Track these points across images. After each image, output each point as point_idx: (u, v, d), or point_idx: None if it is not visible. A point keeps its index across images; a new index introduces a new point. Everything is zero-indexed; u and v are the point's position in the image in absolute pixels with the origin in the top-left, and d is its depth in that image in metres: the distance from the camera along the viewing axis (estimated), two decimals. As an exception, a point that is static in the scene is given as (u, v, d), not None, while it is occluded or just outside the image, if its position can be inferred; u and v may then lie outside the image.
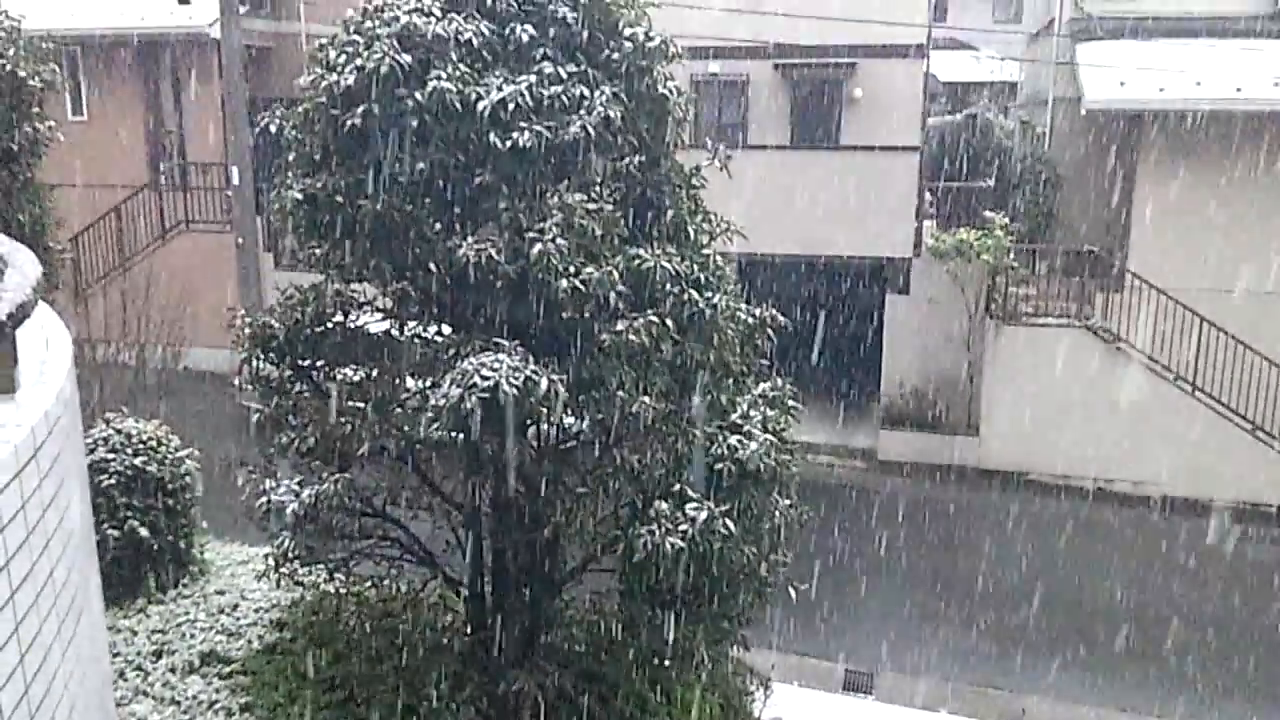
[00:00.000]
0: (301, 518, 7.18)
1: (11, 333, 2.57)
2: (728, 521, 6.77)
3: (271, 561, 7.77)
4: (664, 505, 6.79)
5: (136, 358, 12.63)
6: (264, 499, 7.37)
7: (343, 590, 8.25)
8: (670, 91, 7.31)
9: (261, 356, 7.50)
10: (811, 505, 8.42)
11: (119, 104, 19.85)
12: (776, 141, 16.92)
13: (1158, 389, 15.44)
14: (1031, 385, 15.88)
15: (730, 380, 7.76)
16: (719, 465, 7.18)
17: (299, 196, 7.07)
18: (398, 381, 7.43)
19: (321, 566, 7.90)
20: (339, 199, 6.96)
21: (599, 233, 6.78)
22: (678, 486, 7.02)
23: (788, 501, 7.84)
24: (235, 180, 16.88)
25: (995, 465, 16.07)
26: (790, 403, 7.99)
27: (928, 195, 18.38)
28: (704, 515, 6.70)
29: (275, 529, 7.56)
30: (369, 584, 8.13)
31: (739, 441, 7.21)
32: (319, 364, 7.61)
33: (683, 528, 6.66)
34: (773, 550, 7.63)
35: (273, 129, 7.45)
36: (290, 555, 7.66)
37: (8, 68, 10.38)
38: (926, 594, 12.48)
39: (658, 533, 6.60)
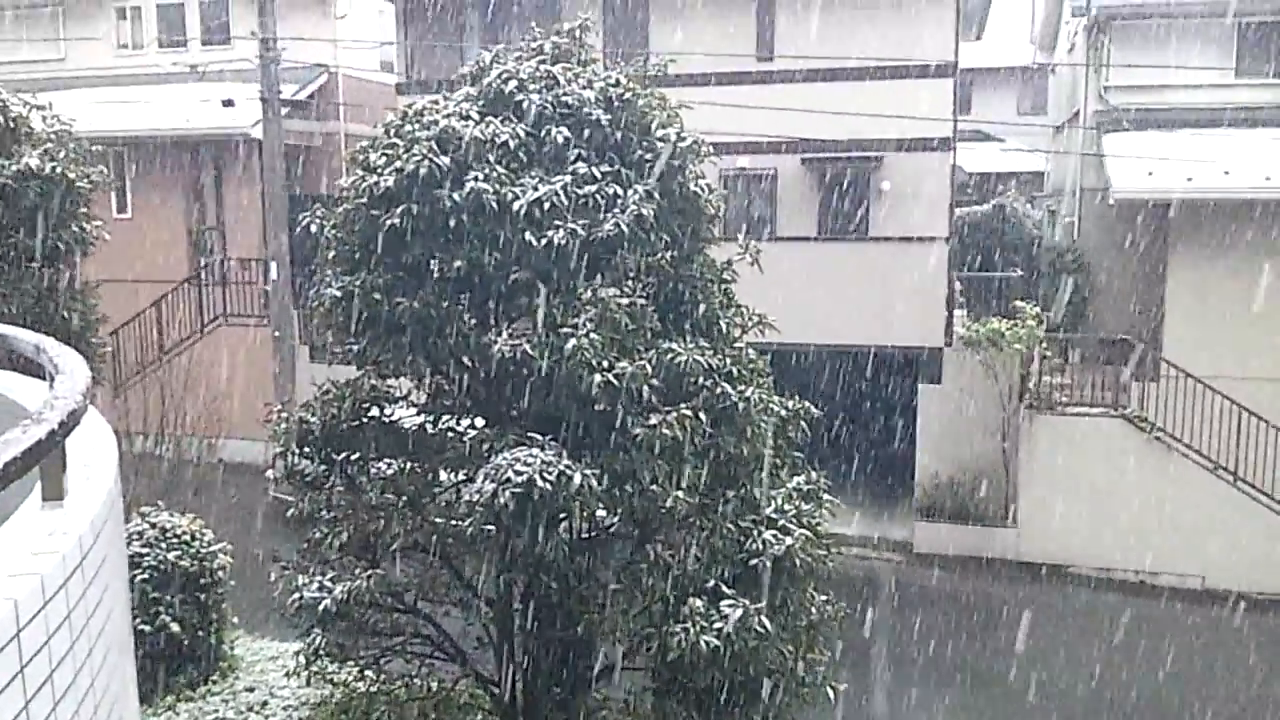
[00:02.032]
0: (333, 614, 7.15)
1: (62, 441, 2.62)
2: (763, 619, 6.66)
3: (302, 659, 7.71)
4: (698, 602, 6.69)
5: (173, 450, 12.75)
6: (296, 595, 7.34)
7: (373, 689, 8.15)
8: (702, 189, 7.45)
9: (297, 452, 7.56)
10: (847, 600, 8.26)
11: (162, 201, 20.42)
12: (805, 233, 17.07)
13: (1198, 479, 15.16)
14: (1069, 475, 15.64)
15: (764, 473, 7.71)
16: (754, 561, 7.09)
17: (338, 294, 7.20)
18: (431, 476, 7.46)
19: (352, 664, 7.82)
20: (376, 296, 7.07)
21: (631, 327, 6.85)
22: (712, 582, 6.93)
23: (824, 597, 7.72)
24: (273, 275, 17.22)
25: (1034, 557, 15.75)
26: (825, 496, 7.91)
27: (957, 285, 18.40)
28: (739, 613, 6.59)
29: (306, 625, 7.51)
30: (400, 682, 8.03)
31: (774, 536, 7.13)
32: (354, 458, 7.66)
33: (718, 625, 6.55)
34: (810, 648, 7.47)
35: (313, 228, 7.63)
36: (321, 652, 7.60)
37: (58, 170, 10.74)
38: (972, 696, 12.12)
39: (692, 630, 6.50)
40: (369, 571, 7.09)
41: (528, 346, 6.67)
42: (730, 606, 6.64)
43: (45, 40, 22.63)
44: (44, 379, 3.95)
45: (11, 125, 11.00)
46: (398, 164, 6.97)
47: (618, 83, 7.50)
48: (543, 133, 7.23)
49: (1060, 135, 22.82)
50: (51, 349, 3.56)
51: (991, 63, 28.68)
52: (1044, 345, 15.86)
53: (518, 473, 6.27)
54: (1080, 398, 16.11)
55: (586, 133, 7.29)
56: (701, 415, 6.83)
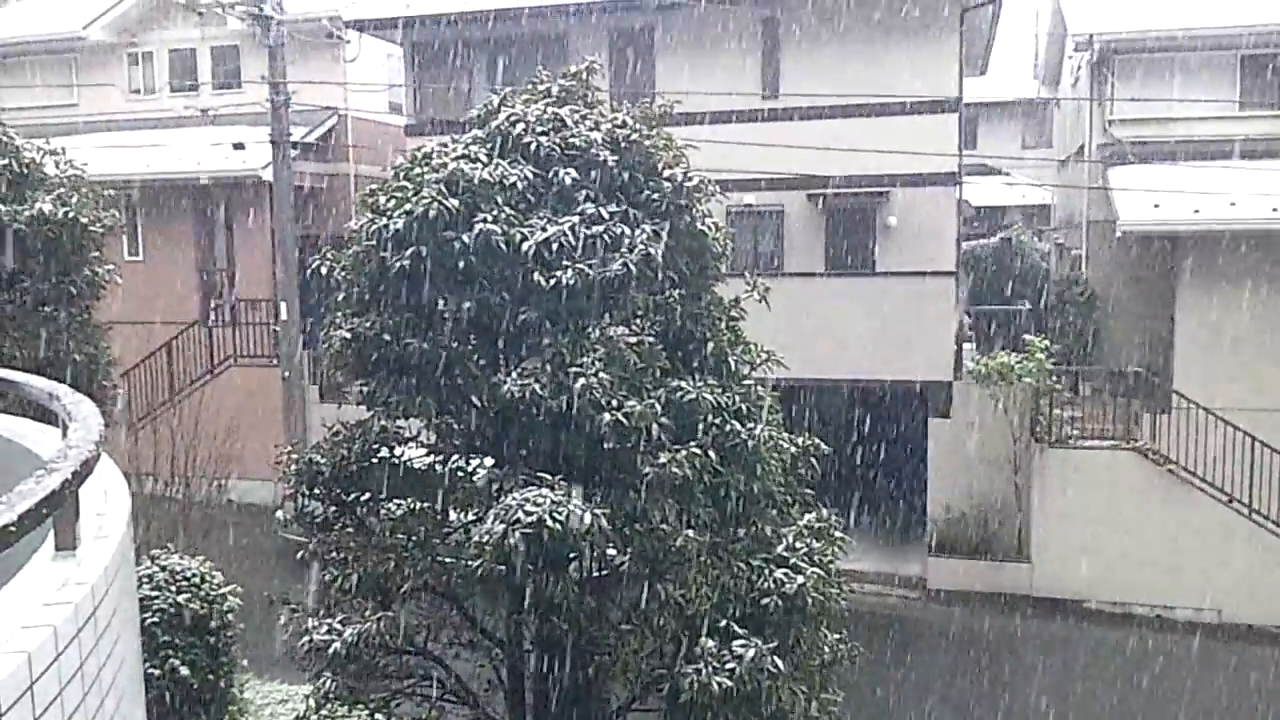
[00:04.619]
0: (343, 657, 7.11)
1: (75, 490, 2.63)
2: (776, 659, 6.61)
3: (312, 703, 7.66)
4: (710, 642, 6.65)
5: (183, 491, 12.74)
6: (306, 638, 7.31)
7: (383, 732, 8.08)
8: (709, 228, 7.49)
9: (307, 493, 7.56)
10: (861, 639, 8.20)
11: (173, 243, 20.58)
12: (812, 268, 17.12)
13: (1212, 512, 15.03)
14: (1082, 509, 15.53)
15: (775, 511, 7.69)
16: (765, 600, 7.05)
17: (347, 335, 7.24)
18: (441, 516, 7.46)
19: (363, 707, 7.77)
20: (386, 338, 7.11)
21: (640, 365, 6.86)
22: (724, 622, 6.89)
23: (836, 636, 7.66)
24: (283, 315, 17.31)
25: (1049, 592, 15.60)
26: (837, 534, 7.87)
27: (965, 319, 18.40)
28: (751, 653, 6.55)
29: (316, 668, 7.48)
30: (410, 726, 7.97)
31: (785, 575, 7.09)
32: (363, 499, 7.66)
33: (730, 666, 6.51)
34: (823, 689, 7.40)
35: (323, 271, 7.68)
36: (331, 695, 7.54)
37: (70, 214, 10.84)
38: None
39: (704, 671, 6.46)
40: (379, 614, 7.07)
41: (537, 386, 6.69)
42: (742, 646, 6.59)
43: (59, 86, 22.93)
44: (57, 424, 3.98)
45: (25, 170, 11.13)
46: (407, 206, 7.02)
47: (624, 124, 7.56)
48: (550, 174, 7.29)
49: (1066, 168, 22.89)
50: (65, 396, 3.59)
51: (996, 97, 28.86)
52: (1053, 378, 15.81)
53: (527, 513, 6.26)
54: (1091, 431, 16.04)
55: (594, 173, 7.34)
56: (711, 453, 6.83)
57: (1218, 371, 15.50)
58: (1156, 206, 15.53)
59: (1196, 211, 15.23)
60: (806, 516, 7.89)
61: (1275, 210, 14.97)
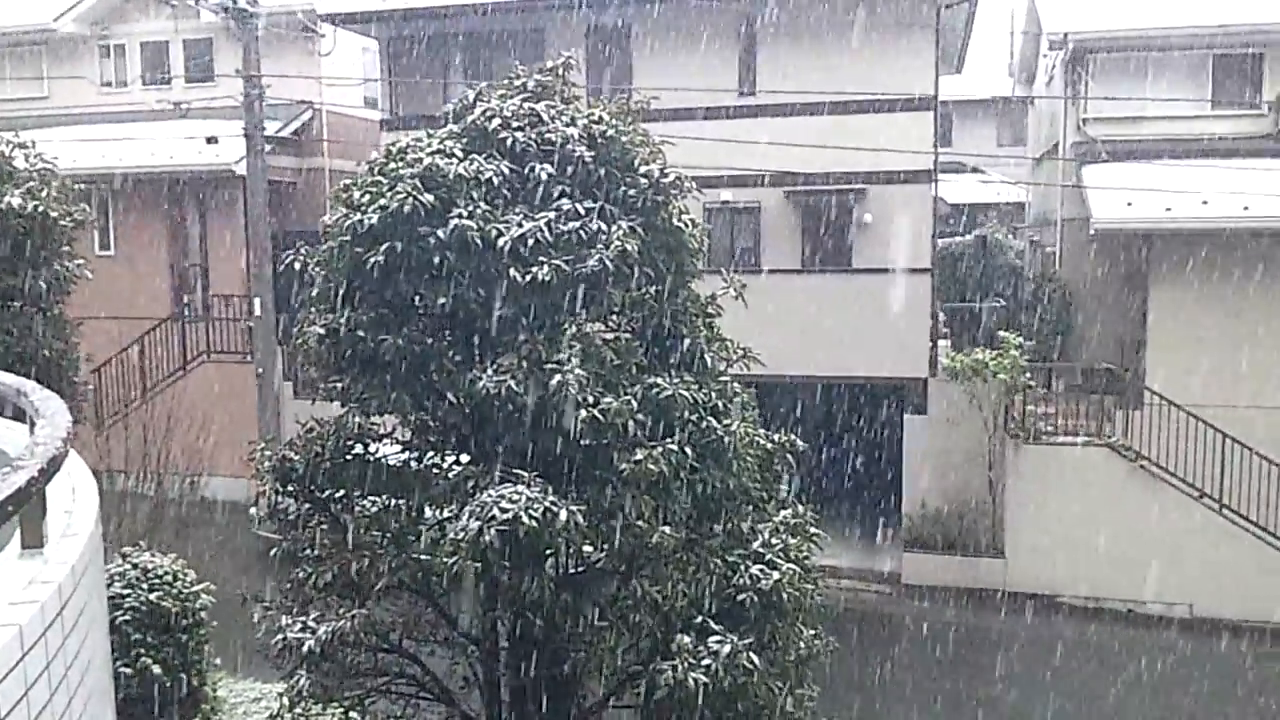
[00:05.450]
0: (317, 655, 7.07)
1: (42, 488, 2.59)
2: (751, 655, 6.63)
3: (285, 701, 7.61)
4: (686, 638, 6.66)
5: (155, 488, 12.62)
6: (279, 635, 7.26)
7: (358, 730, 8.04)
8: (685, 224, 7.48)
9: (280, 490, 7.51)
10: (836, 635, 8.23)
11: (145, 239, 20.36)
12: (789, 264, 17.16)
13: (1184, 507, 15.19)
14: (1055, 505, 15.66)
15: (751, 507, 7.71)
16: (741, 596, 7.06)
17: (321, 332, 7.19)
18: (416, 513, 7.43)
19: (337, 705, 7.73)
20: (360, 334, 7.07)
21: (616, 362, 6.85)
22: (699, 618, 6.90)
23: (812, 632, 7.69)
24: (257, 311, 17.18)
25: (1023, 588, 15.72)
26: (812, 530, 7.89)
27: (941, 315, 18.49)
28: (727, 649, 6.57)
29: (290, 666, 7.43)
30: (385, 723, 7.94)
31: (761, 571, 7.11)
32: (338, 496, 7.61)
33: (706, 662, 6.52)
34: (798, 684, 7.43)
35: (297, 266, 7.61)
36: (305, 694, 7.50)
37: (40, 209, 10.71)
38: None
39: (680, 668, 6.47)
40: (353, 611, 7.03)
41: (512, 383, 6.67)
42: (718, 643, 6.61)
43: (29, 78, 22.64)
44: (24, 422, 3.92)
45: (-6, 164, 10.98)
46: (382, 201, 6.98)
47: (601, 119, 7.54)
48: (526, 169, 7.27)
49: (1040, 167, 23.05)
50: (33, 393, 3.54)
51: (971, 95, 28.99)
52: (1027, 375, 15.93)
53: (503, 510, 6.24)
54: (1065, 427, 16.17)
55: (570, 169, 7.32)
56: (687, 450, 6.83)
57: (1189, 368, 15.65)
58: (1129, 205, 15.65)
59: (1169, 210, 15.37)
60: (782, 513, 7.91)
61: (1246, 209, 15.13)
